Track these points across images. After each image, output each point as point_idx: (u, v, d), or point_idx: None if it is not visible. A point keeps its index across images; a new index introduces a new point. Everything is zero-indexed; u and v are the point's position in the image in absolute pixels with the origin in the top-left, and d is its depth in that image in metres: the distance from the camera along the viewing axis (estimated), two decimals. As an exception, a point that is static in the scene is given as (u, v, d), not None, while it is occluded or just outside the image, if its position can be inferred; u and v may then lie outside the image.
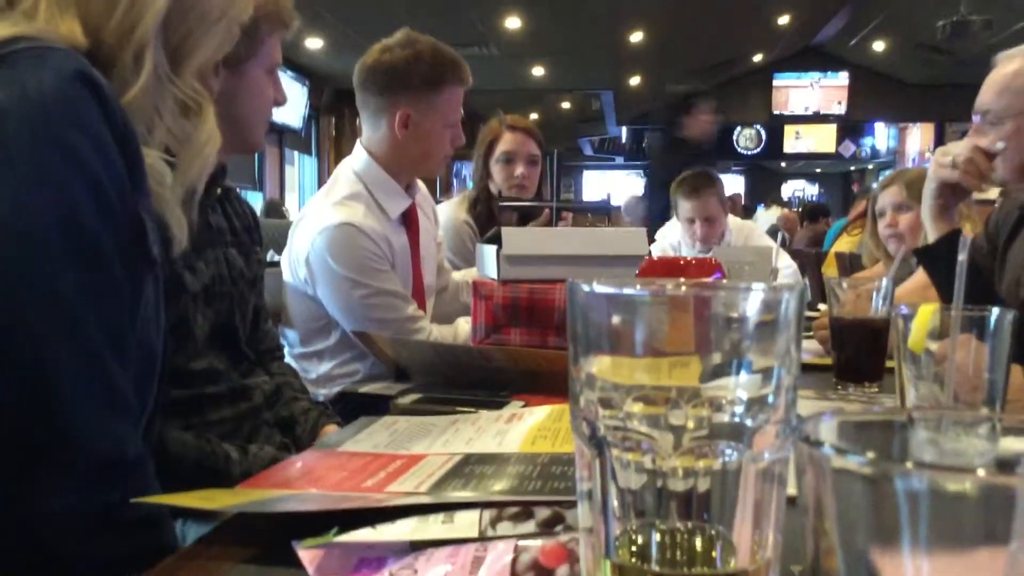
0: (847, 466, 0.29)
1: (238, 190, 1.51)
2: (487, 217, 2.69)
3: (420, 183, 2.22)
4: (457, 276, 2.40)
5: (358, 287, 1.88)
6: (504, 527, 0.66)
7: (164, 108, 0.93)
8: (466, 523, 0.67)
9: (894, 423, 0.38)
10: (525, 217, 2.60)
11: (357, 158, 2.07)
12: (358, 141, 2.11)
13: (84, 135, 0.77)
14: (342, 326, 1.95)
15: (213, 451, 1.20)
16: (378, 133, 2.06)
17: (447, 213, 2.67)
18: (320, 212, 1.96)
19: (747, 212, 11.27)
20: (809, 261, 5.21)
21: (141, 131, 0.88)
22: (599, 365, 0.43)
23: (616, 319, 0.43)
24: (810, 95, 15.99)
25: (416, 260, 2.08)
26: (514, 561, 0.59)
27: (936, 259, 1.64)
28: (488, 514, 0.68)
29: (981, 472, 0.27)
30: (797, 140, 17.91)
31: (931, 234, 1.67)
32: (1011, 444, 0.37)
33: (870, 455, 0.28)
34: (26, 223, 0.74)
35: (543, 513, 0.67)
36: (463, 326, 2.03)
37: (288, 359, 1.73)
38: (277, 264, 2.09)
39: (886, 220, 2.84)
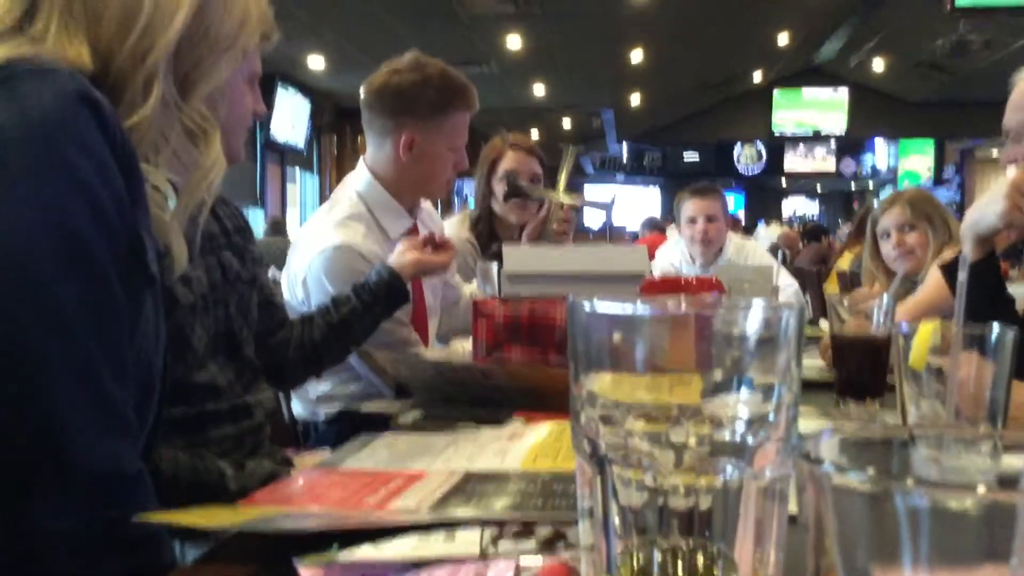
0: (848, 484, 0.29)
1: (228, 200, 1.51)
2: (489, 235, 2.69)
3: (425, 202, 2.23)
4: (469, 290, 2.39)
5: None
6: (505, 545, 0.66)
7: (170, 133, 0.93)
8: (467, 541, 0.66)
9: (895, 441, 0.38)
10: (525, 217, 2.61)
11: (360, 177, 2.08)
12: (361, 159, 2.12)
13: (84, 154, 0.77)
14: None
15: (207, 468, 1.19)
16: (382, 154, 2.06)
17: (449, 231, 2.67)
18: (320, 232, 1.96)
19: (747, 231, 11.32)
20: (810, 279, 5.21)
21: (145, 153, 0.89)
22: (600, 383, 0.43)
23: (617, 337, 0.43)
24: (810, 113, 16.02)
25: (417, 281, 2.08)
26: (515, 579, 0.59)
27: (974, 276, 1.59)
28: (489, 532, 0.68)
29: (982, 489, 0.27)
30: (804, 158, 17.98)
31: (972, 253, 1.61)
32: (1013, 461, 0.37)
33: (871, 472, 0.28)
34: (26, 242, 0.74)
35: (544, 531, 0.67)
36: (457, 348, 2.03)
37: None
38: (277, 283, 2.08)
39: (891, 241, 2.84)
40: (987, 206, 1.54)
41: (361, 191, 2.05)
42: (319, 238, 1.92)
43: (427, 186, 2.09)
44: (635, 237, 9.57)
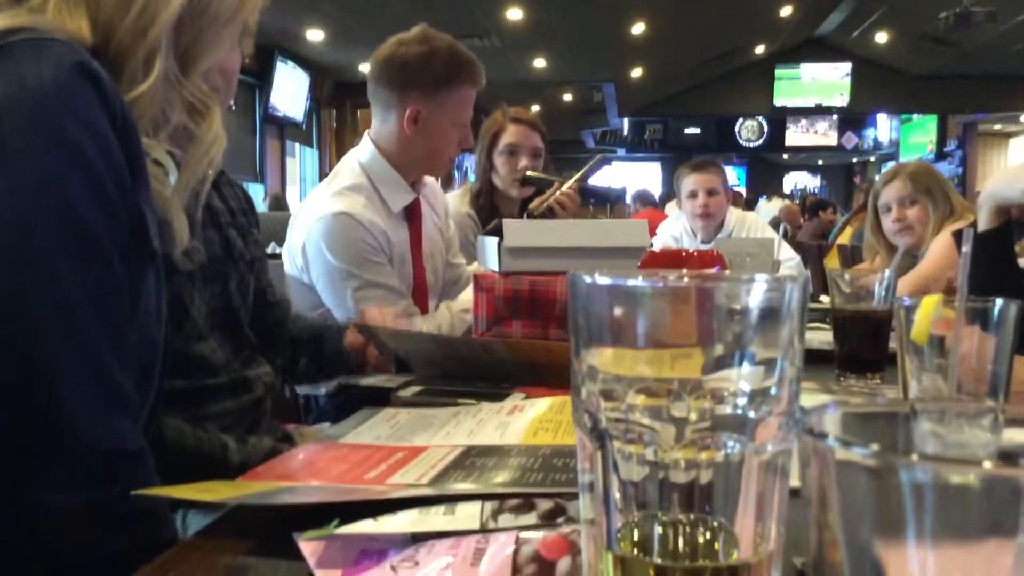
0: (851, 458, 0.29)
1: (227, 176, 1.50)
2: (490, 210, 2.68)
3: (427, 179, 2.22)
4: (471, 269, 2.39)
5: (350, 278, 1.88)
6: (505, 519, 0.66)
7: (171, 109, 0.93)
8: (467, 515, 0.66)
9: (898, 415, 0.38)
10: (525, 203, 2.60)
11: (364, 150, 2.08)
12: (366, 133, 2.11)
13: (83, 127, 0.77)
14: (335, 316, 1.95)
15: (210, 440, 1.20)
16: (386, 127, 2.06)
17: (449, 205, 2.66)
18: (320, 201, 1.97)
19: (749, 205, 11.28)
20: (811, 253, 5.21)
21: (146, 128, 0.88)
22: (601, 357, 0.43)
23: (618, 311, 0.42)
24: (813, 86, 15.92)
25: (418, 256, 2.08)
26: (515, 553, 0.59)
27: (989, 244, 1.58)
28: (489, 506, 0.68)
29: (987, 464, 0.26)
30: (805, 132, 17.93)
31: (987, 221, 1.60)
32: (1014, 435, 0.37)
33: (874, 447, 0.28)
34: (24, 216, 0.74)
35: (545, 505, 0.67)
36: (443, 314, 2.02)
37: None
38: (278, 256, 2.09)
39: (892, 215, 2.83)
40: (1015, 180, 1.53)
41: (364, 163, 2.05)
42: (319, 207, 1.93)
43: (429, 161, 2.08)
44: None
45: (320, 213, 1.89)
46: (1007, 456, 0.37)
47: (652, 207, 8.32)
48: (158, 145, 0.91)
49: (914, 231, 2.78)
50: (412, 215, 2.08)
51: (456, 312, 2.02)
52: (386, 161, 2.03)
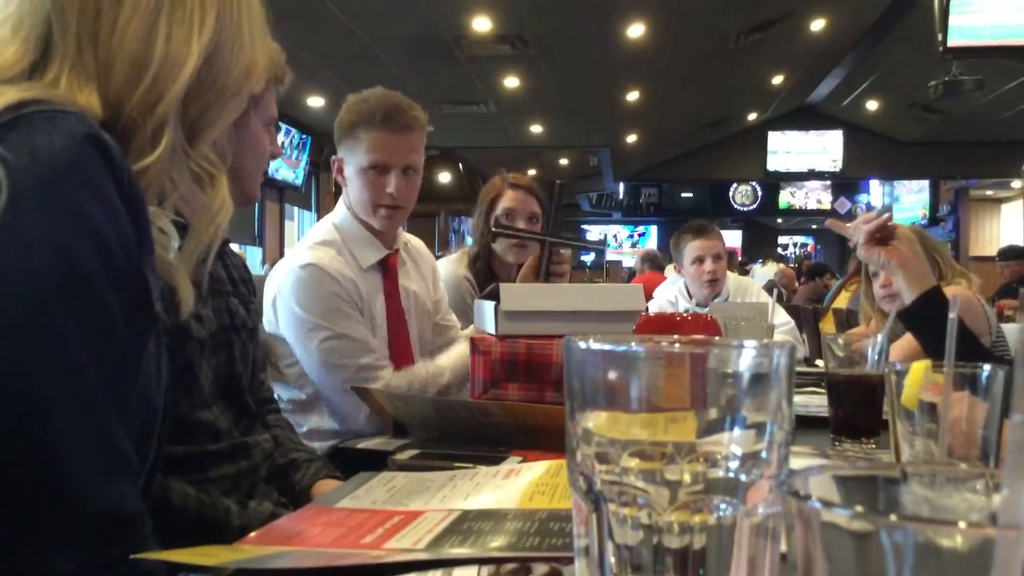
0: (834, 520, 0.30)
1: (230, 244, 1.52)
2: (487, 273, 2.70)
3: (414, 241, 2.26)
4: (468, 332, 2.39)
5: (317, 330, 1.92)
6: (502, 583, 0.66)
7: (178, 178, 0.95)
8: (464, 579, 0.67)
9: (886, 478, 0.38)
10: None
11: (337, 211, 2.18)
12: (341, 196, 2.21)
13: (93, 197, 0.78)
14: (304, 369, 1.97)
15: (213, 504, 1.20)
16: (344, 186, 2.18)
17: (447, 269, 2.68)
18: (291, 255, 2.04)
19: (743, 270, 11.31)
20: (807, 317, 5.22)
21: (152, 197, 0.90)
22: (596, 420, 0.44)
23: (612, 375, 0.44)
24: (805, 152, 16.11)
25: (394, 309, 2.09)
26: (512, 618, 0.59)
27: (919, 318, 1.63)
28: (486, 571, 0.68)
29: (963, 524, 0.27)
30: (799, 197, 18.14)
31: (912, 295, 1.64)
32: (1004, 500, 0.37)
33: (857, 508, 0.29)
34: (34, 282, 0.75)
35: (541, 569, 0.67)
36: (418, 370, 2.01)
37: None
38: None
39: (880, 281, 2.86)
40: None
41: (336, 223, 2.14)
42: (290, 261, 2.00)
43: (361, 208, 2.12)
44: (632, 274, 9.51)
45: (290, 267, 1.96)
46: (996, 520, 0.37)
47: (658, 271, 8.28)
48: (163, 214, 0.92)
49: (896, 297, 2.79)
50: (387, 270, 2.11)
51: (431, 373, 2.01)
52: (354, 219, 2.12)
